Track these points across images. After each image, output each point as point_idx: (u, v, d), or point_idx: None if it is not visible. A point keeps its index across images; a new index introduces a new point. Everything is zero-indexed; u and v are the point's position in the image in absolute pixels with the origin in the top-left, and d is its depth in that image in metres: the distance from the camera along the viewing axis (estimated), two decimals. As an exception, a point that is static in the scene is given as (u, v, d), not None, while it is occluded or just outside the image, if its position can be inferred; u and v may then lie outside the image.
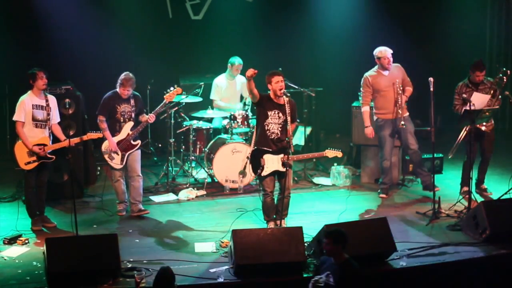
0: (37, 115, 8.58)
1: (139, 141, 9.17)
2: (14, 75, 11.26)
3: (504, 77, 9.39)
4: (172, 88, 9.17)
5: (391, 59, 9.62)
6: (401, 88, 9.57)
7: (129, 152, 9.10)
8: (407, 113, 9.72)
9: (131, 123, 9.09)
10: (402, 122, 9.51)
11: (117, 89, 9.07)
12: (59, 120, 8.79)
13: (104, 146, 9.06)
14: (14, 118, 8.58)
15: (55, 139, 8.72)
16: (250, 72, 8.19)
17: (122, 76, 9.03)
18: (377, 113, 9.78)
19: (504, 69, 9.50)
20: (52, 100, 8.73)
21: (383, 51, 9.61)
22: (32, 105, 8.56)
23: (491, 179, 10.37)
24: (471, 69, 9.45)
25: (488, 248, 8.11)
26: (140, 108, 9.23)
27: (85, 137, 8.82)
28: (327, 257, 6.76)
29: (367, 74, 9.74)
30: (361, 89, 9.79)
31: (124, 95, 9.04)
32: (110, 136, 9.02)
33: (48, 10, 11.41)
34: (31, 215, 8.77)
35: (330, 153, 8.64)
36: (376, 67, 9.73)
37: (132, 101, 9.10)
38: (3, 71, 11.25)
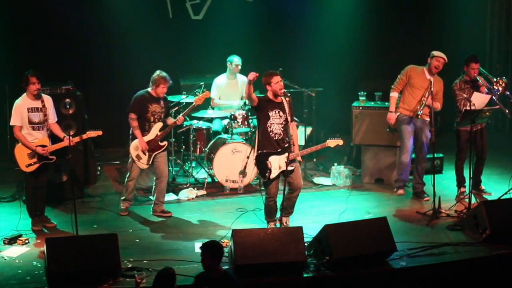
0: (33, 118, 8.53)
1: (166, 142, 9.17)
2: (14, 75, 11.23)
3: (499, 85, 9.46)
4: (201, 91, 9.23)
5: (440, 67, 9.53)
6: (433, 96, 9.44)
7: (156, 153, 9.09)
8: (428, 119, 9.61)
9: (160, 124, 9.07)
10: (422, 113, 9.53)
11: (149, 89, 9.02)
12: (56, 119, 8.74)
13: (134, 145, 9.00)
14: (11, 123, 8.56)
15: (55, 139, 8.70)
16: (252, 75, 8.16)
17: (160, 75, 8.97)
18: (400, 107, 9.74)
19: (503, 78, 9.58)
20: (48, 100, 8.67)
21: (440, 53, 9.54)
22: (27, 108, 8.51)
23: (491, 179, 10.38)
24: (466, 64, 9.53)
25: (488, 248, 8.11)
26: (167, 110, 9.26)
27: (84, 136, 8.77)
28: (202, 272, 6.61)
29: (412, 65, 9.72)
30: (399, 76, 9.75)
31: (161, 94, 9.01)
32: (141, 135, 8.96)
33: (48, 10, 11.40)
34: (31, 215, 8.77)
35: (332, 142, 8.55)
36: (425, 66, 9.66)
37: (162, 102, 9.09)
38: (3, 71, 11.24)
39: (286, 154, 8.29)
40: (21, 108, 8.51)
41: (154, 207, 9.30)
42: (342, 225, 8.01)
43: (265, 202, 8.59)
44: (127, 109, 9.04)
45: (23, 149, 8.54)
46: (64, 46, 11.54)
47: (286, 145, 8.32)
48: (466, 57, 9.73)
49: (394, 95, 9.77)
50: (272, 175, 8.38)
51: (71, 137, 8.45)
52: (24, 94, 8.58)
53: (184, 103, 10.60)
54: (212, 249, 6.50)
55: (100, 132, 8.77)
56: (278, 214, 8.58)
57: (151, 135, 9.04)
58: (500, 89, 9.43)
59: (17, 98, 8.66)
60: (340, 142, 8.59)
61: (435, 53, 9.58)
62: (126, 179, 9.23)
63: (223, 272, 6.54)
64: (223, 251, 6.59)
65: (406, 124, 9.69)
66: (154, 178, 9.29)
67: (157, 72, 9.05)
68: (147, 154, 9.03)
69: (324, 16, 12.53)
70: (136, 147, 9.00)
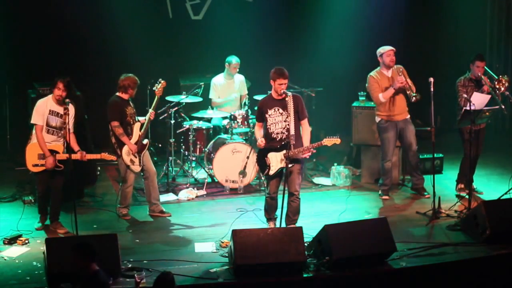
0: (50, 121, 8.49)
1: (147, 140, 9.18)
2: (14, 75, 11.26)
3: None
4: (158, 83, 9.18)
5: (394, 58, 9.58)
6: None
7: (142, 153, 9.10)
8: (408, 116, 9.70)
9: (139, 124, 9.07)
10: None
11: (119, 93, 9.01)
12: (73, 130, 8.60)
13: (126, 150, 8.95)
14: (32, 121, 8.51)
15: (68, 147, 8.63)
16: (261, 145, 8.35)
17: (133, 77, 9.00)
18: (379, 115, 9.75)
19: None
20: (71, 109, 8.53)
21: (386, 47, 9.59)
22: (49, 110, 8.48)
23: (491, 179, 10.39)
24: (471, 62, 9.53)
25: (488, 248, 8.11)
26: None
27: (98, 156, 8.65)
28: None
29: (371, 73, 9.70)
30: (367, 85, 9.69)
31: (133, 96, 9.05)
32: (128, 140, 8.94)
33: (48, 10, 11.40)
34: (39, 211, 8.79)
35: (328, 141, 8.38)
36: (378, 68, 9.70)
37: (131, 103, 9.11)
38: (3, 71, 11.24)
39: (284, 151, 8.26)
40: (43, 108, 8.47)
41: (152, 207, 9.25)
42: (342, 225, 8.01)
43: (265, 198, 8.63)
44: (108, 119, 8.93)
45: (36, 148, 8.50)
46: (64, 46, 11.53)
47: (283, 143, 8.30)
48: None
49: (380, 95, 9.62)
50: (271, 172, 8.38)
51: (85, 153, 8.46)
52: (50, 95, 8.55)
53: (184, 103, 10.62)
54: (78, 249, 6.40)
55: (114, 157, 8.74)
56: (278, 214, 8.58)
57: (135, 137, 9.02)
58: (503, 88, 9.42)
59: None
60: (337, 141, 8.41)
61: (381, 49, 9.61)
62: (122, 187, 9.16)
63: (94, 272, 6.40)
64: (91, 251, 6.40)
65: (387, 131, 9.67)
66: (143, 180, 9.28)
67: (126, 75, 9.01)
68: (137, 156, 9.04)
69: (324, 16, 12.52)
70: (128, 152, 8.97)
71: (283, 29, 12.61)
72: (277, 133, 8.38)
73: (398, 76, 9.51)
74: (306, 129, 8.47)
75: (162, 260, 7.80)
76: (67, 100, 8.44)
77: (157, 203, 9.26)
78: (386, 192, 9.86)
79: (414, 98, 9.46)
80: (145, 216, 9.26)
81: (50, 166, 8.48)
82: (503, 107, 9.45)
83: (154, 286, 6.39)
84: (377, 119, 9.78)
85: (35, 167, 8.55)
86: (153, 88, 9.26)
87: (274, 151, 8.37)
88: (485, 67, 9.57)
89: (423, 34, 12.78)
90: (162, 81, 9.22)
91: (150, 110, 9.12)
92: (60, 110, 8.50)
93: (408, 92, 9.49)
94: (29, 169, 8.62)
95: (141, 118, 9.21)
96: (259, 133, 8.52)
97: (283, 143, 8.32)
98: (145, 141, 9.11)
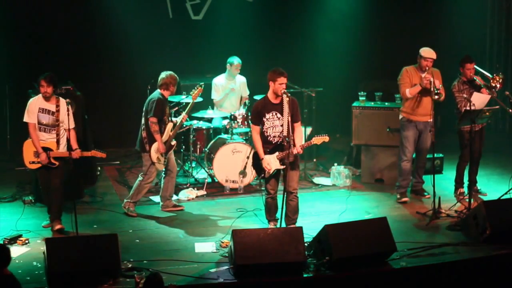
0: (41, 119, 8.51)
1: (175, 142, 9.27)
2: (14, 75, 11.26)
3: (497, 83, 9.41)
4: (195, 88, 9.33)
5: (430, 65, 9.38)
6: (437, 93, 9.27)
7: (168, 153, 9.17)
8: (431, 120, 9.52)
9: (171, 124, 9.16)
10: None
11: (161, 91, 9.08)
12: (73, 126, 8.54)
13: (155, 147, 9.02)
14: (24, 119, 8.56)
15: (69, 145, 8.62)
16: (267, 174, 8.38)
17: (173, 74, 9.11)
18: (402, 111, 9.71)
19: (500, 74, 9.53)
20: (64, 105, 8.48)
21: (428, 53, 9.38)
22: (39, 108, 8.50)
23: (491, 179, 10.39)
24: (461, 65, 9.51)
25: (488, 248, 8.11)
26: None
27: (89, 154, 8.66)
28: None
29: (406, 67, 9.59)
30: (398, 77, 9.56)
31: (174, 93, 9.17)
32: (161, 138, 9.02)
33: (47, 10, 11.40)
34: (48, 211, 8.81)
35: (317, 139, 8.46)
36: (416, 64, 9.57)
37: (168, 102, 9.20)
38: (3, 71, 11.24)
39: (277, 152, 8.31)
40: (32, 107, 8.51)
41: (165, 202, 9.36)
42: (342, 225, 8.01)
43: (264, 200, 8.64)
44: (150, 114, 8.97)
45: (31, 146, 8.54)
46: (64, 46, 11.53)
47: (279, 143, 8.32)
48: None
49: (407, 90, 9.48)
50: (268, 174, 8.40)
51: (79, 151, 8.49)
52: (40, 94, 8.57)
53: (184, 103, 10.62)
54: None
55: (104, 155, 8.73)
56: (279, 214, 8.59)
57: (165, 136, 9.10)
58: (498, 85, 9.40)
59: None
60: (325, 139, 8.50)
61: (423, 53, 9.41)
62: (142, 181, 9.18)
63: (6, 276, 6.35)
64: (3, 255, 6.38)
65: (408, 130, 9.61)
66: (164, 175, 9.31)
67: (167, 73, 9.12)
68: (163, 155, 9.09)
69: (324, 16, 12.53)
70: (156, 149, 9.05)
71: (283, 29, 12.61)
72: (274, 137, 8.40)
73: (427, 74, 9.40)
74: (299, 132, 8.50)
75: (162, 260, 7.80)
76: (68, 100, 8.45)
77: (171, 199, 9.39)
78: (404, 195, 9.76)
79: (436, 96, 9.17)
80: (145, 215, 9.26)
81: (44, 162, 8.49)
82: (510, 110, 9.43)
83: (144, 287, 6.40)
84: (400, 116, 9.73)
85: (32, 164, 8.58)
86: (190, 93, 9.39)
87: (268, 154, 8.38)
88: (475, 66, 9.53)
89: (423, 34, 12.77)
90: (200, 87, 9.36)
91: (183, 113, 9.24)
92: (52, 107, 8.52)
93: (432, 90, 9.21)
94: (27, 166, 8.63)
95: (174, 119, 9.25)
96: (260, 144, 8.40)
97: (278, 143, 8.35)
98: (173, 142, 9.21)
